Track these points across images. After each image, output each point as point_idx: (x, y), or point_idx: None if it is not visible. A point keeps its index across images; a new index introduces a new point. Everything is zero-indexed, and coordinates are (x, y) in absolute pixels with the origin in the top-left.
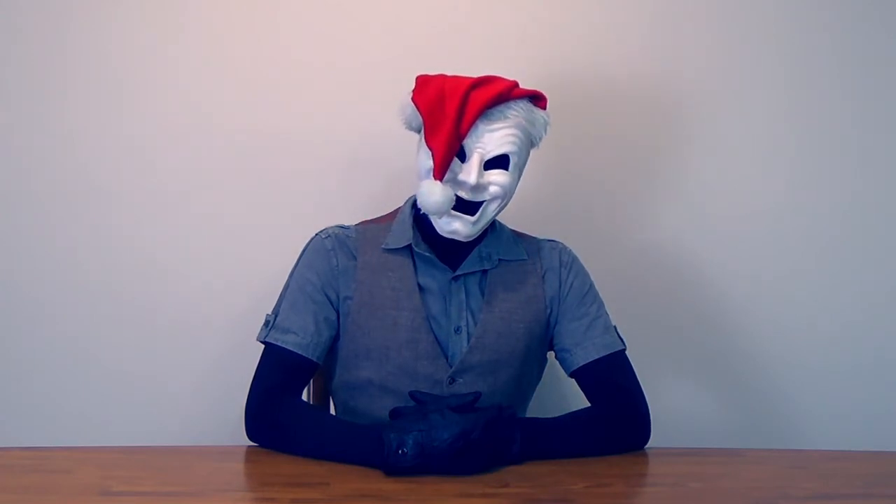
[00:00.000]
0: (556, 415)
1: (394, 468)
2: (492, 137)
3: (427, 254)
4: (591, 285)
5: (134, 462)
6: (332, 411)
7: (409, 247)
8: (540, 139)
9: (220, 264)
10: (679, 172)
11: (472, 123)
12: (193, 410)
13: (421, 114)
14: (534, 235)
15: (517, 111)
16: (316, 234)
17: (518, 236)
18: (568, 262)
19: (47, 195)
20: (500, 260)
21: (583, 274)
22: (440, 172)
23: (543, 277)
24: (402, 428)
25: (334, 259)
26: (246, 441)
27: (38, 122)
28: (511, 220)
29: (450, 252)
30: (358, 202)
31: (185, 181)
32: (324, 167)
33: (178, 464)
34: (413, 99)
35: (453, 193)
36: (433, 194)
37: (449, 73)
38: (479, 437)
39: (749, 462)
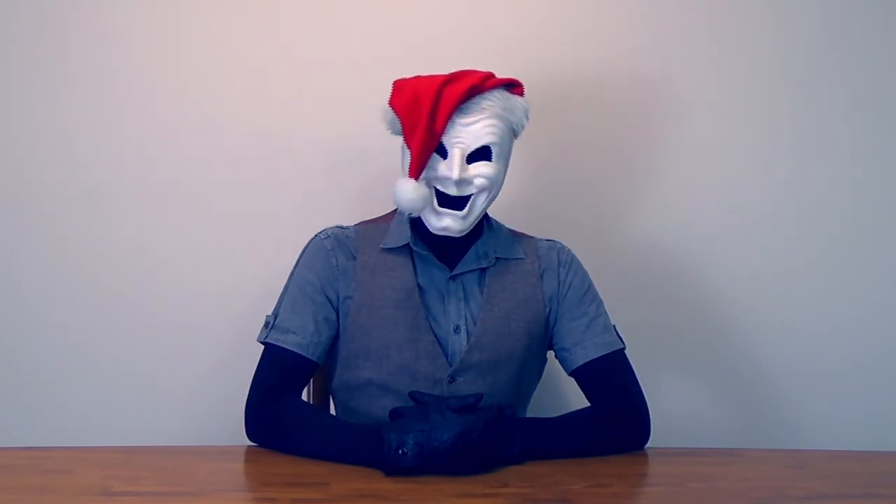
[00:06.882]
0: (556, 415)
1: (394, 468)
2: (470, 131)
3: (424, 252)
4: (590, 284)
5: (134, 462)
6: (333, 411)
7: (407, 246)
8: (521, 126)
9: (221, 265)
10: (679, 172)
11: (447, 120)
12: (193, 410)
13: (398, 116)
14: (532, 235)
15: (492, 101)
16: (315, 235)
17: (516, 235)
18: (566, 262)
19: (47, 195)
20: (497, 258)
21: (581, 273)
22: (415, 171)
23: (542, 277)
24: (402, 428)
25: (334, 259)
26: (246, 441)
27: (38, 122)
28: (509, 220)
29: (447, 251)
30: (360, 204)
31: (186, 182)
32: (326, 168)
33: (178, 464)
34: (390, 103)
35: (427, 191)
36: (405, 192)
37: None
38: (478, 438)
39: (749, 462)
